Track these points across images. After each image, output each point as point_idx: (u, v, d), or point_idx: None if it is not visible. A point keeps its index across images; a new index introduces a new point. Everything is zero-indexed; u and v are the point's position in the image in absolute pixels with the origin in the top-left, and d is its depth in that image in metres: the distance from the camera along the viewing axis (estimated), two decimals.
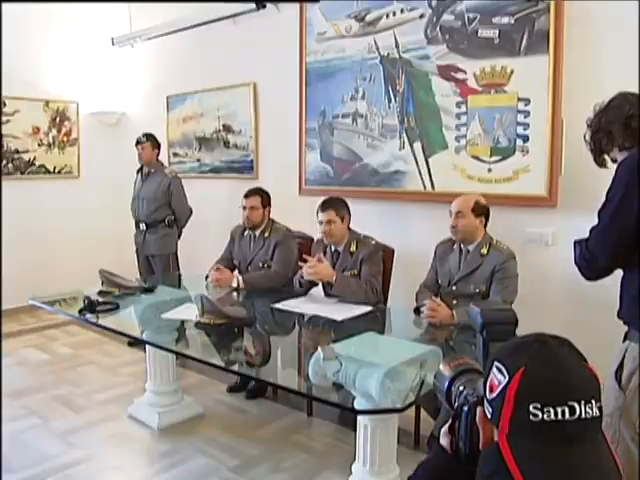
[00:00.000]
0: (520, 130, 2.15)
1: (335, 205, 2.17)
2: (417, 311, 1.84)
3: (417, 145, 2.48)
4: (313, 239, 2.45)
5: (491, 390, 0.47)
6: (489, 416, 0.48)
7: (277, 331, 1.90)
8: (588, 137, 1.13)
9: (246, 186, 2.63)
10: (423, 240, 2.42)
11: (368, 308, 1.96)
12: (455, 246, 1.99)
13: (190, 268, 3.08)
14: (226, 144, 3.31)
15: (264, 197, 2.46)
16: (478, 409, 0.50)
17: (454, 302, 1.89)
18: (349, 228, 2.22)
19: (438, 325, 1.72)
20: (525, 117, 2.13)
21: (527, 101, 2.12)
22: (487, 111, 2.24)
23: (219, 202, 3.38)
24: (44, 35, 3.49)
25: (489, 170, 2.27)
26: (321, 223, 2.15)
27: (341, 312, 1.89)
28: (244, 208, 2.45)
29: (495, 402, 0.46)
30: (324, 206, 2.16)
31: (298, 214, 2.88)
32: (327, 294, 2.17)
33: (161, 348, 1.71)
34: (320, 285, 2.19)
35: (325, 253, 2.22)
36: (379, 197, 2.67)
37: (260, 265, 2.41)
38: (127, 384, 2.48)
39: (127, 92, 3.86)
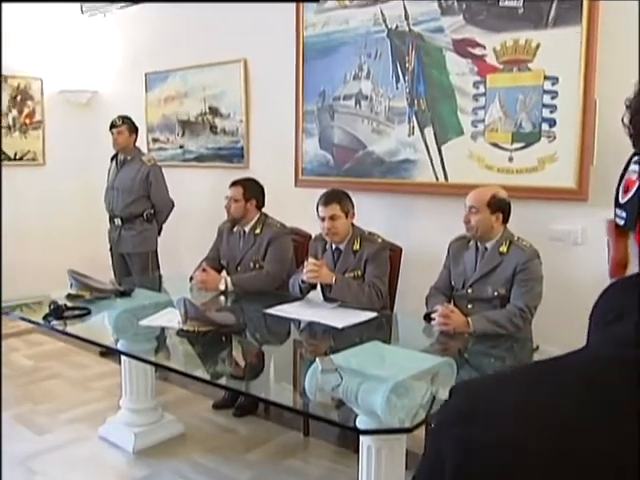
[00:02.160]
0: (546, 113, 2.13)
1: (339, 198, 2.16)
2: (427, 318, 1.84)
3: (428, 131, 2.48)
4: (311, 236, 2.46)
5: (626, 191, 0.42)
6: (622, 222, 0.42)
7: (270, 340, 1.90)
8: (627, 120, 1.13)
9: (235, 176, 2.64)
10: (435, 237, 2.43)
11: (372, 314, 1.96)
12: (471, 243, 1.98)
13: (172, 268, 3.08)
14: (213, 129, 3.30)
15: (247, 188, 2.46)
16: (607, 223, 0.44)
17: (469, 307, 1.89)
18: (352, 224, 2.21)
19: (451, 334, 1.72)
20: (552, 98, 2.11)
21: (555, 80, 2.10)
22: (508, 92, 2.22)
23: (205, 194, 3.37)
24: (3, 2, 3.38)
25: (510, 159, 2.26)
26: (323, 219, 2.14)
27: (342, 318, 1.89)
28: (226, 199, 2.47)
29: (631, 202, 0.40)
30: (326, 200, 2.15)
31: (294, 208, 2.88)
32: (326, 298, 2.18)
33: (138, 359, 1.70)
34: (318, 288, 2.20)
35: (325, 251, 2.23)
36: (385, 189, 2.66)
37: (251, 265, 2.40)
38: (98, 400, 2.44)
39: (99, 68, 3.75)
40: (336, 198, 2.18)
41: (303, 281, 2.12)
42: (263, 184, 2.55)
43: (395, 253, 2.31)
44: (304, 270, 2.08)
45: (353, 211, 2.21)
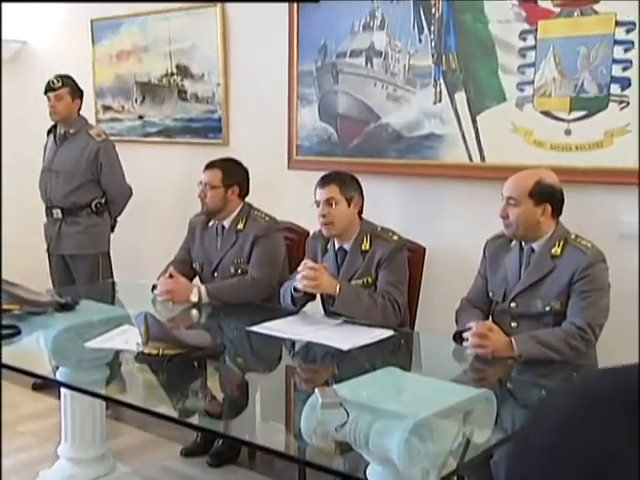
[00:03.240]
0: (617, 71, 2.11)
1: (340, 179, 2.20)
2: (459, 337, 1.85)
3: (460, 97, 2.48)
4: (308, 233, 2.48)
5: None
6: None
7: (256, 366, 1.92)
8: None
9: (211, 156, 2.63)
10: (467, 235, 2.44)
11: (387, 332, 1.97)
12: (513, 244, 1.98)
13: (128, 274, 3.07)
14: (181, 94, 3.32)
15: (227, 172, 2.48)
16: None
17: (513, 325, 1.90)
18: (361, 217, 2.23)
19: (489, 359, 1.72)
20: (626, 51, 2.09)
21: (630, 26, 2.07)
22: (567, 43, 2.20)
23: (172, 179, 3.37)
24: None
25: (567, 132, 2.25)
26: (318, 205, 2.17)
27: (348, 338, 1.90)
28: (200, 185, 2.49)
29: None
30: (324, 180, 2.19)
31: (287, 197, 2.90)
32: (328, 312, 2.18)
33: (84, 392, 1.70)
34: (318, 299, 2.21)
35: (325, 253, 2.25)
36: (403, 173, 2.65)
37: (231, 270, 2.43)
38: (30, 448, 2.42)
39: (30, 12, 3.66)
40: (337, 179, 2.20)
41: (297, 290, 2.11)
42: (247, 166, 2.55)
43: (416, 255, 2.31)
44: (298, 276, 2.06)
45: (360, 199, 2.22)
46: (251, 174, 2.56)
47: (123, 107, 3.53)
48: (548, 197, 1.89)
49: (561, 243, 1.89)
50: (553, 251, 1.89)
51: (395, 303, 2.08)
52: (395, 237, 2.20)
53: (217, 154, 2.69)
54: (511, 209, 1.87)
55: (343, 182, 2.21)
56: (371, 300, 2.08)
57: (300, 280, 2.07)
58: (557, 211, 1.92)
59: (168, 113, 3.39)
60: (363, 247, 2.19)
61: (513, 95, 2.36)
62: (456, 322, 2.01)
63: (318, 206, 2.19)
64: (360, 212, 2.26)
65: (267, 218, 2.49)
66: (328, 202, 2.15)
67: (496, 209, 1.95)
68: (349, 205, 2.19)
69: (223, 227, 2.51)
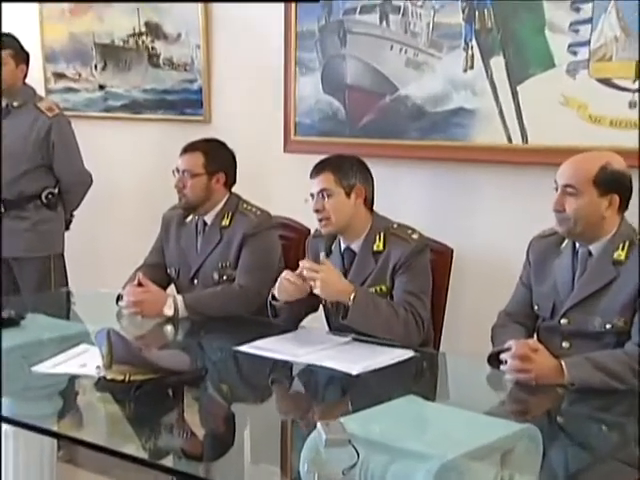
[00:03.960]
0: None
1: (336, 166, 2.21)
2: (495, 360, 1.85)
3: (497, 62, 2.48)
4: (309, 231, 2.50)
5: None
6: None
7: (244, 395, 1.92)
8: None
9: (189, 136, 2.64)
10: (505, 233, 2.45)
11: (406, 353, 1.98)
12: (565, 244, 1.97)
13: (88, 282, 3.08)
14: (153, 59, 3.30)
15: (210, 156, 2.50)
16: None
17: (564, 346, 1.89)
18: (371, 210, 2.24)
19: (534, 386, 1.72)
20: None
21: None
22: None
23: (141, 164, 3.38)
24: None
25: (632, 104, 2.25)
26: (312, 198, 2.20)
27: (358, 360, 1.91)
28: (176, 173, 2.49)
29: None
30: (316, 168, 2.22)
31: (282, 187, 2.92)
32: (333, 327, 2.22)
33: (30, 428, 1.67)
34: (321, 310, 2.23)
35: (329, 255, 2.24)
36: (426, 157, 2.66)
37: (215, 277, 2.46)
38: None
39: None
40: (331, 165, 2.21)
41: (274, 298, 2.14)
42: (233, 149, 2.57)
43: (441, 257, 2.31)
44: (290, 274, 2.09)
45: (365, 187, 2.22)
46: (239, 159, 2.55)
47: (80, 75, 3.51)
48: (616, 186, 1.85)
49: (626, 245, 1.86)
50: (616, 255, 1.86)
51: (418, 317, 2.08)
52: (415, 236, 2.18)
53: (197, 134, 2.67)
54: (569, 200, 1.84)
55: (339, 168, 2.20)
56: (392, 311, 2.08)
57: (284, 284, 2.11)
58: (624, 204, 1.89)
59: (136, 83, 3.38)
60: (375, 248, 2.19)
61: (564, 59, 2.34)
62: (492, 341, 2.01)
63: (312, 198, 2.21)
64: (369, 204, 2.25)
65: (258, 213, 2.48)
66: (321, 194, 2.18)
67: (543, 201, 1.93)
68: (348, 196, 2.19)
69: (205, 223, 2.50)
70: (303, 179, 2.34)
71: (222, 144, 2.57)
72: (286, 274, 2.13)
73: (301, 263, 2.13)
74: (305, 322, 2.33)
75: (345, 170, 2.21)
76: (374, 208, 2.27)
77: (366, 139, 2.76)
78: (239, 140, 2.66)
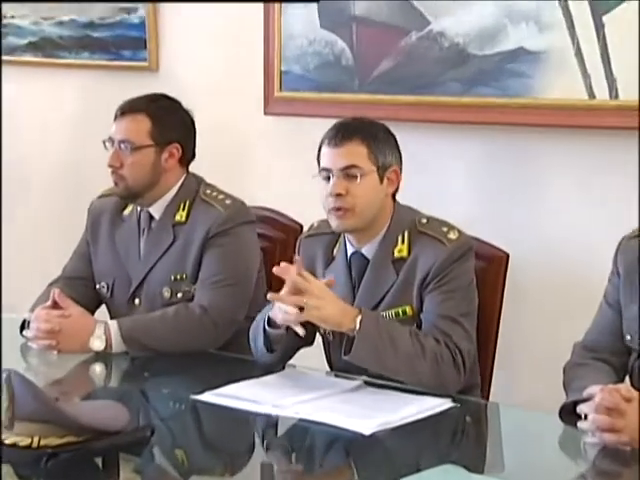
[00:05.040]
0: None
1: (370, 134, 2.13)
2: (570, 413, 1.78)
3: None
4: (301, 227, 2.49)
5: None
6: None
7: (207, 465, 1.82)
8: None
9: (128, 89, 2.59)
10: (584, 232, 2.44)
11: (441, 403, 1.93)
12: None
13: None
14: None
15: (160, 120, 2.42)
16: None
17: None
18: (394, 200, 2.18)
19: (627, 452, 1.64)
20: None
21: None
22: None
23: (56, 132, 3.41)
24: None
25: None
26: (327, 177, 2.11)
27: (371, 413, 1.85)
28: (109, 145, 2.43)
29: None
30: (341, 132, 2.13)
31: (262, 163, 2.90)
32: (335, 366, 2.19)
33: None
34: (318, 342, 2.20)
35: (330, 262, 2.22)
36: (470, 120, 2.63)
37: (165, 294, 2.41)
38: None
39: None
40: (363, 132, 2.12)
41: (270, 324, 2.07)
42: (192, 110, 2.51)
43: (492, 265, 2.28)
44: (278, 303, 2.00)
45: (399, 170, 2.16)
46: (201, 124, 2.49)
47: None
48: None
49: None
50: None
51: (456, 351, 2.01)
52: (453, 234, 2.11)
53: (139, 88, 2.59)
54: None
55: (374, 138, 2.11)
56: (417, 344, 2.00)
57: (281, 305, 2.00)
58: None
59: (48, 13, 3.41)
60: (396, 253, 2.13)
61: None
62: (564, 386, 1.93)
63: (327, 180, 2.09)
64: (394, 191, 2.17)
65: (228, 202, 2.40)
66: (348, 173, 2.07)
67: (636, 184, 2.03)
68: (382, 180, 2.12)
69: (151, 218, 2.43)
70: (291, 153, 2.32)
71: (175, 102, 2.48)
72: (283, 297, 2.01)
73: (288, 277, 2.00)
74: (296, 359, 2.19)
75: (382, 142, 2.13)
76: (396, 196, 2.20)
77: (383, 95, 2.66)
78: (200, 97, 2.65)
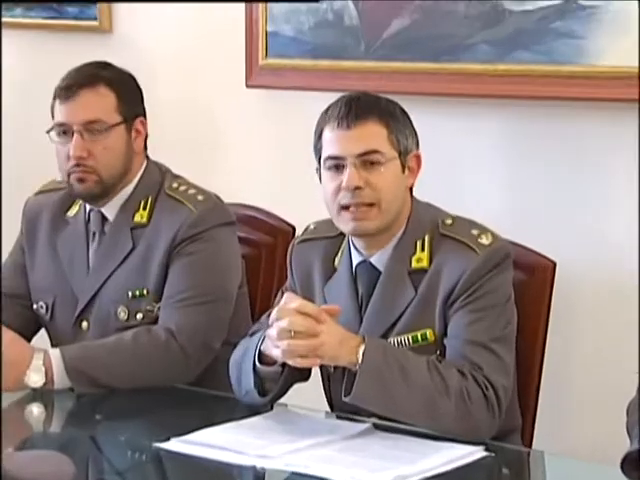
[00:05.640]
0: None
1: (387, 112, 2.10)
2: (634, 466, 1.68)
3: None
4: (294, 231, 2.48)
5: None
6: None
7: None
8: None
9: (77, 56, 2.53)
10: None
11: (469, 452, 1.89)
12: None
13: None
14: None
15: (123, 90, 2.40)
16: None
17: None
18: (412, 196, 2.15)
19: None
20: None
21: None
22: None
23: None
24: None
25: None
26: (337, 166, 2.06)
27: (383, 465, 1.81)
28: (60, 132, 2.37)
29: None
30: (354, 109, 2.08)
31: (245, 148, 2.86)
32: (337, 406, 2.17)
33: None
34: (315, 376, 2.12)
35: (332, 273, 2.18)
36: (506, 93, 2.60)
37: (121, 315, 2.39)
38: None
39: None
40: (377, 108, 2.08)
41: (262, 359, 2.03)
42: (155, 79, 2.63)
43: (536, 278, 2.26)
44: (271, 330, 1.96)
45: (420, 156, 2.11)
46: (165, 101, 2.60)
47: None
48: None
49: None
50: None
51: (488, 386, 1.94)
52: (485, 239, 2.06)
53: (88, 54, 2.53)
54: None
55: (392, 115, 2.05)
56: (436, 379, 1.94)
57: (274, 339, 1.94)
58: None
59: None
60: (415, 262, 2.08)
61: None
62: (627, 430, 1.84)
63: (336, 170, 2.04)
64: (411, 185, 2.14)
65: (200, 198, 2.36)
66: (367, 160, 2.03)
67: None
68: (403, 169, 2.06)
69: (103, 219, 2.38)
70: (280, 137, 2.23)
71: (129, 76, 2.47)
72: (280, 309, 1.96)
73: (285, 297, 1.98)
74: (287, 395, 2.11)
75: (401, 121, 2.09)
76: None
77: (396, 62, 2.60)
78: (164, 66, 2.65)
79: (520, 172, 2.62)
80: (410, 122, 2.12)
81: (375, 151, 2.02)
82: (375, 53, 2.69)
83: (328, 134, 2.05)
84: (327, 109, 2.10)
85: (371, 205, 2.03)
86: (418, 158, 2.12)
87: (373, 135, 2.02)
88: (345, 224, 2.07)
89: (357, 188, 2.01)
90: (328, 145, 2.05)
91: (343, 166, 2.02)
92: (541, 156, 2.60)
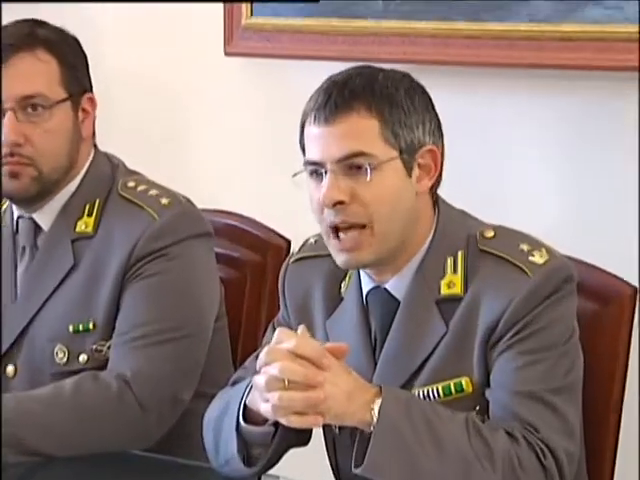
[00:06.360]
0: None
1: (379, 92, 2.08)
2: None
3: None
4: (289, 245, 2.47)
5: None
6: None
7: None
8: None
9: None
10: None
11: None
12: None
13: None
14: None
15: (63, 53, 2.34)
16: None
17: None
18: (436, 201, 2.11)
19: None
20: None
21: None
22: None
23: None
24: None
25: None
26: (318, 172, 2.02)
27: None
28: None
29: None
30: (335, 98, 2.04)
31: (224, 135, 2.85)
32: (344, 476, 2.17)
33: None
34: (316, 440, 2.05)
35: (336, 305, 2.17)
36: (561, 67, 2.58)
37: (60, 356, 2.32)
38: None
39: None
40: (366, 93, 2.04)
41: (247, 417, 2.01)
42: (116, 45, 2.58)
43: (608, 306, 2.17)
44: (259, 378, 1.89)
45: (436, 151, 2.04)
46: (121, 72, 2.57)
47: None
48: None
49: None
50: None
51: (545, 450, 1.88)
52: (539, 257, 2.01)
53: (13, 13, 2.47)
54: None
55: (390, 100, 1.96)
56: (476, 443, 1.88)
57: (263, 390, 1.87)
58: None
59: None
60: (444, 288, 2.03)
61: None
62: None
63: (316, 177, 1.98)
64: (435, 186, 2.03)
65: (164, 200, 2.27)
66: (351, 164, 1.96)
67: None
68: (409, 171, 1.99)
69: (36, 230, 2.32)
70: (269, 119, 2.16)
71: (65, 31, 2.42)
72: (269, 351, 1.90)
73: (276, 333, 1.93)
74: (280, 464, 2.06)
75: (404, 106, 1.98)
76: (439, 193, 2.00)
77: (421, 22, 2.51)
78: (120, 29, 2.46)
79: (588, 168, 2.55)
80: (423, 105, 2.06)
81: (361, 153, 1.99)
82: (396, 10, 2.61)
83: (307, 130, 2.06)
84: (311, 97, 2.02)
85: (363, 227, 2.03)
86: (433, 153, 2.04)
87: (359, 131, 1.99)
88: (335, 255, 2.09)
89: (339, 203, 2.01)
90: (307, 145, 2.05)
91: (320, 173, 1.99)
92: (617, 146, 2.58)
